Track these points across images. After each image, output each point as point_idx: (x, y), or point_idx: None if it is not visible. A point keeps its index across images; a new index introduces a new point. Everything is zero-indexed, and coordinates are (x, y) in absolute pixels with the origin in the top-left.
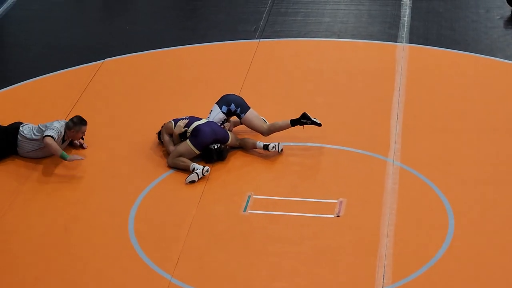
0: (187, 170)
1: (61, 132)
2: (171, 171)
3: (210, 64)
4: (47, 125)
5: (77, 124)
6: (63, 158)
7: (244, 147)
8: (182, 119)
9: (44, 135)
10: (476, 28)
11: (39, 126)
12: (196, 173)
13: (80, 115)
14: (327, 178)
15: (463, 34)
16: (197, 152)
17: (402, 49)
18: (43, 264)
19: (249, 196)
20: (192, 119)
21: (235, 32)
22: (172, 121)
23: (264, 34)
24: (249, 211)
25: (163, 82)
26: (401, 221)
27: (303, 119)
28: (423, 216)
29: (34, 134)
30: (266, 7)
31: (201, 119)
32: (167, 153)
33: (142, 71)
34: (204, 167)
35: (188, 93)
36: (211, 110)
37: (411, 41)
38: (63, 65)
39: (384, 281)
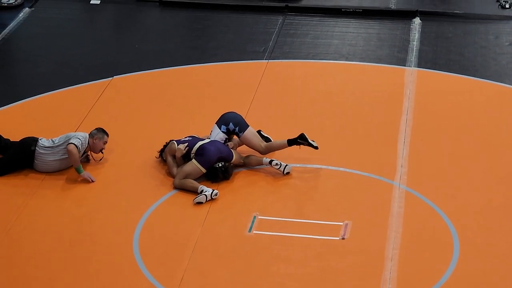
0: (195, 192)
1: (85, 142)
2: (177, 190)
3: (218, 84)
4: (70, 134)
5: (99, 131)
6: (78, 171)
7: (248, 164)
8: (184, 140)
9: (69, 142)
10: (485, 54)
11: (59, 137)
12: (205, 194)
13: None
14: (333, 200)
15: (472, 60)
16: (204, 170)
17: (411, 73)
18: (48, 280)
19: (254, 217)
20: (195, 140)
21: (244, 52)
22: (175, 142)
23: (272, 55)
24: (254, 232)
25: (171, 100)
26: (406, 245)
27: (300, 140)
28: (428, 241)
29: (53, 141)
30: (276, 28)
31: (204, 139)
32: (170, 174)
33: (150, 89)
34: (213, 190)
35: (196, 112)
36: (212, 130)
37: (419, 65)
38: (72, 82)
39: None
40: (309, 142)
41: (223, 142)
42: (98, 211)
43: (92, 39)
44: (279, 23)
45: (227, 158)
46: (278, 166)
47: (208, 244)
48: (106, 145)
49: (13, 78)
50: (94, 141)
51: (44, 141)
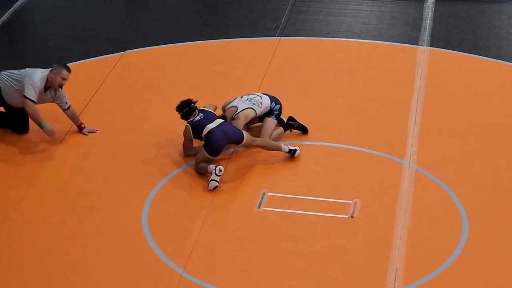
0: (207, 172)
1: (41, 82)
2: (186, 166)
3: (229, 60)
4: (25, 77)
5: (60, 66)
6: (40, 126)
7: (266, 149)
8: (198, 122)
9: (25, 95)
10: (498, 34)
11: (17, 74)
12: (213, 179)
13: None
14: (342, 178)
15: (485, 40)
16: (214, 158)
17: (423, 52)
18: (57, 254)
19: (264, 193)
20: (204, 120)
21: (256, 29)
22: (189, 125)
23: (284, 32)
24: (263, 208)
25: (182, 76)
26: (415, 224)
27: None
28: (437, 220)
29: (13, 83)
30: (288, 5)
31: (214, 120)
32: (184, 155)
33: (161, 64)
34: (216, 167)
35: (206, 88)
36: (259, 95)
37: (432, 44)
38: (83, 56)
39: (396, 283)
40: (299, 124)
41: (254, 102)
42: (108, 186)
43: (103, 13)
44: (291, 0)
45: (237, 141)
46: (297, 153)
47: (217, 220)
48: (118, 120)
49: (24, 51)
50: (52, 75)
51: (3, 78)
